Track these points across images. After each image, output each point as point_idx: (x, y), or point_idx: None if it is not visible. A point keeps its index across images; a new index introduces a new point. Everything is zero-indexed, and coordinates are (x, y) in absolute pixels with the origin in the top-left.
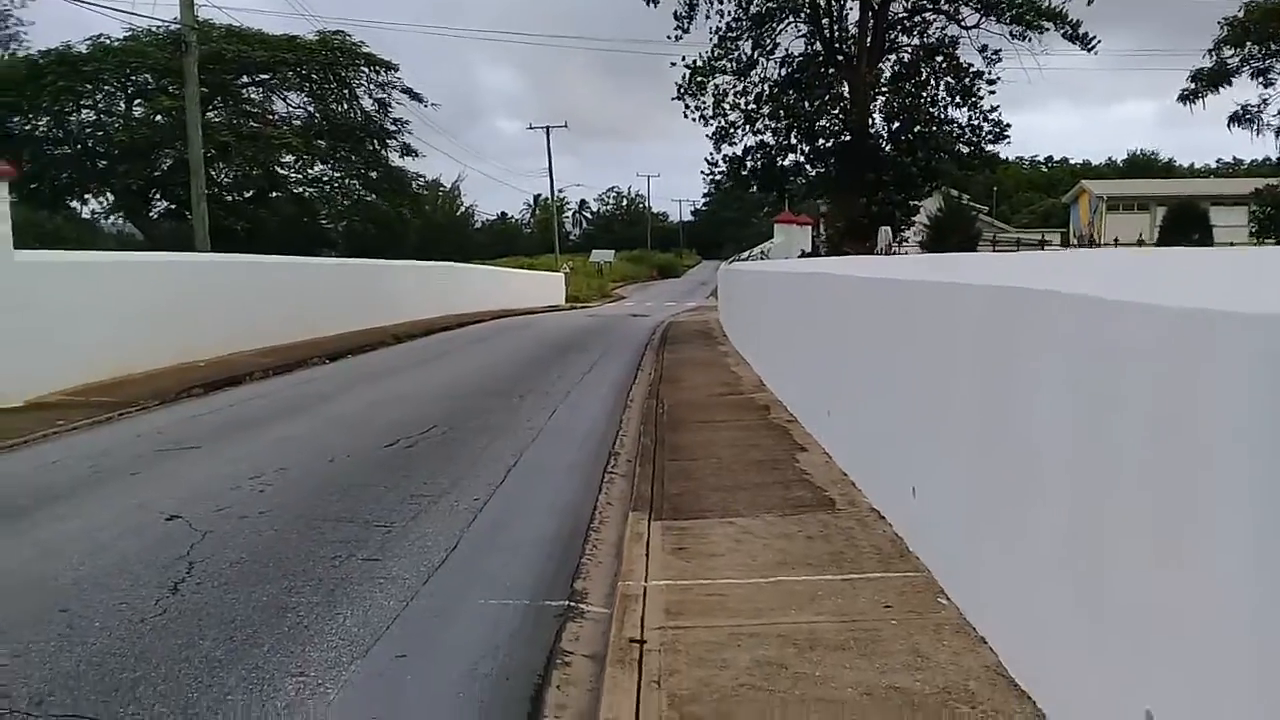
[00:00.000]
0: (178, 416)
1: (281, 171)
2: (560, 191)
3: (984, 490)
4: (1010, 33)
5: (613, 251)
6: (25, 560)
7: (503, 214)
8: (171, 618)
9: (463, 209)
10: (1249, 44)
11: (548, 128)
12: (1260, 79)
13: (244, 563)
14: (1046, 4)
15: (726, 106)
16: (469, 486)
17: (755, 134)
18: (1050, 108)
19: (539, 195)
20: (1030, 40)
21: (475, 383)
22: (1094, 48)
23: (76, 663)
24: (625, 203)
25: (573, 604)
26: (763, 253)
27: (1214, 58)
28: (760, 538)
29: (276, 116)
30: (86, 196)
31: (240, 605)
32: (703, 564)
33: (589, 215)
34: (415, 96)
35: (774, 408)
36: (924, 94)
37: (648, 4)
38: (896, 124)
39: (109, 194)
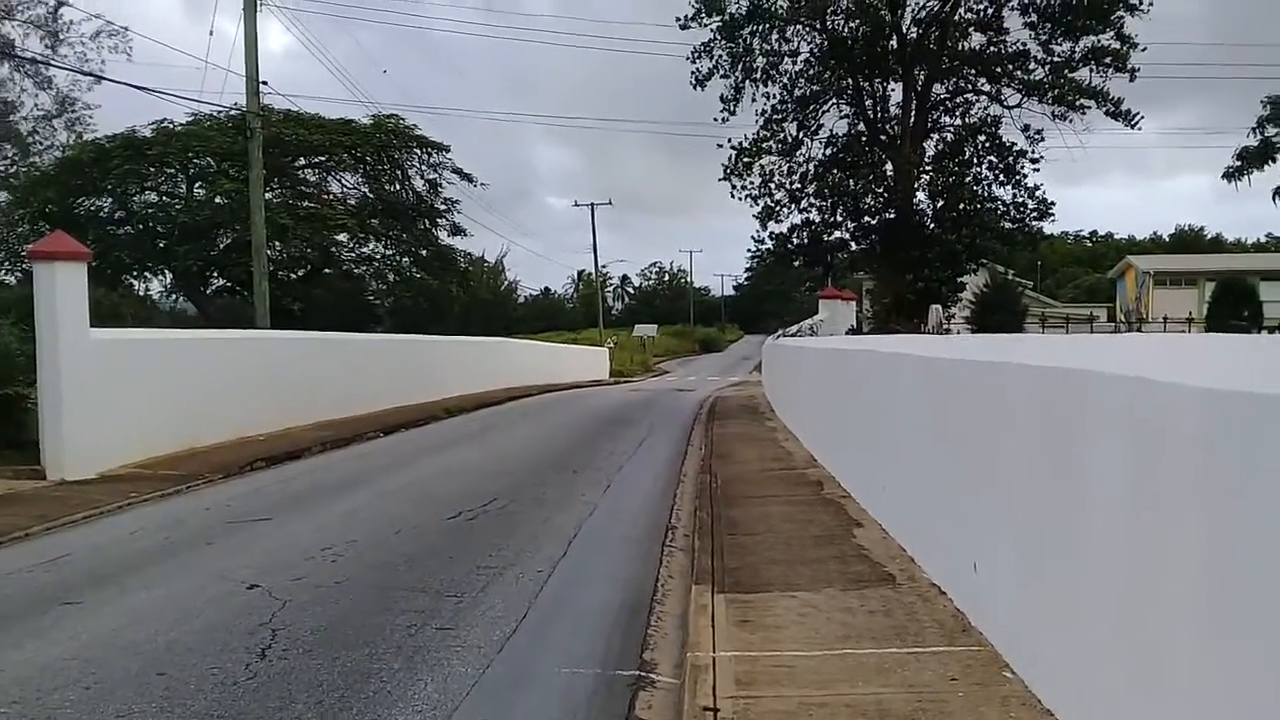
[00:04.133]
0: (244, 489)
1: (334, 250)
2: (604, 267)
3: (1043, 565)
4: (1052, 113)
5: (655, 326)
6: (119, 626)
7: (546, 289)
8: (262, 682)
9: (506, 284)
10: None
11: (592, 205)
12: None
13: (325, 630)
14: (1088, 83)
15: (773, 186)
16: (532, 558)
17: (801, 212)
18: (1102, 181)
19: (582, 271)
20: (1072, 120)
21: (529, 456)
22: (1137, 124)
23: None
24: (667, 278)
25: (643, 674)
26: (811, 328)
27: (1258, 135)
28: (823, 611)
29: (332, 196)
30: (146, 274)
31: (326, 671)
32: (768, 636)
33: (631, 290)
34: (465, 177)
35: (827, 483)
36: (968, 173)
37: (694, 88)
38: (941, 202)
39: (168, 272)
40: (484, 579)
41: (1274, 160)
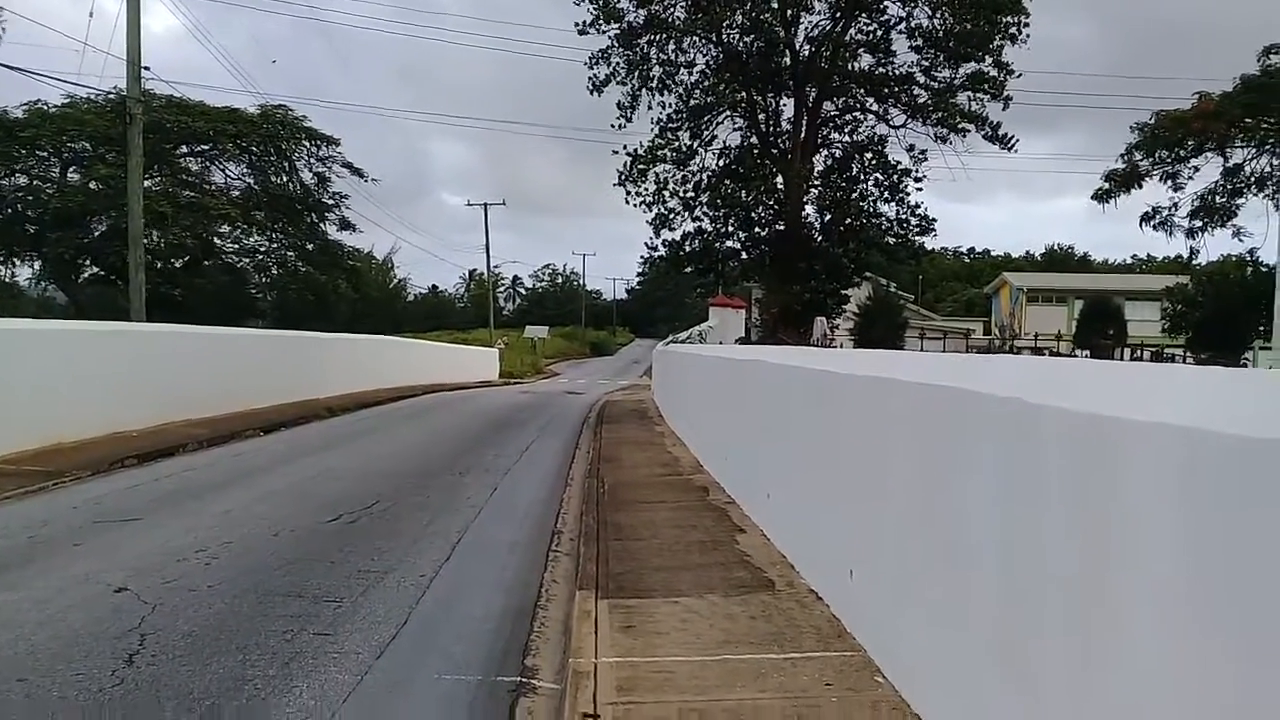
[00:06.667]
0: (114, 487)
1: (217, 241)
2: (496, 267)
3: (916, 573)
4: (935, 134)
5: (547, 328)
6: None
7: (434, 287)
8: (130, 689)
9: (395, 281)
10: (1158, 150)
11: (485, 205)
12: (1169, 182)
13: (196, 635)
14: (968, 107)
15: (666, 194)
16: (415, 563)
17: (694, 220)
18: (988, 199)
19: (474, 270)
20: (951, 142)
21: (414, 458)
22: (1013, 147)
23: None
24: (560, 280)
25: (525, 680)
26: (701, 335)
27: (1126, 160)
28: (704, 617)
29: (214, 187)
30: (14, 261)
31: (197, 677)
32: (650, 642)
33: (523, 291)
34: (356, 171)
35: (712, 489)
36: (855, 188)
37: (592, 93)
38: (828, 216)
39: (37, 259)
40: (365, 583)
41: (1140, 185)
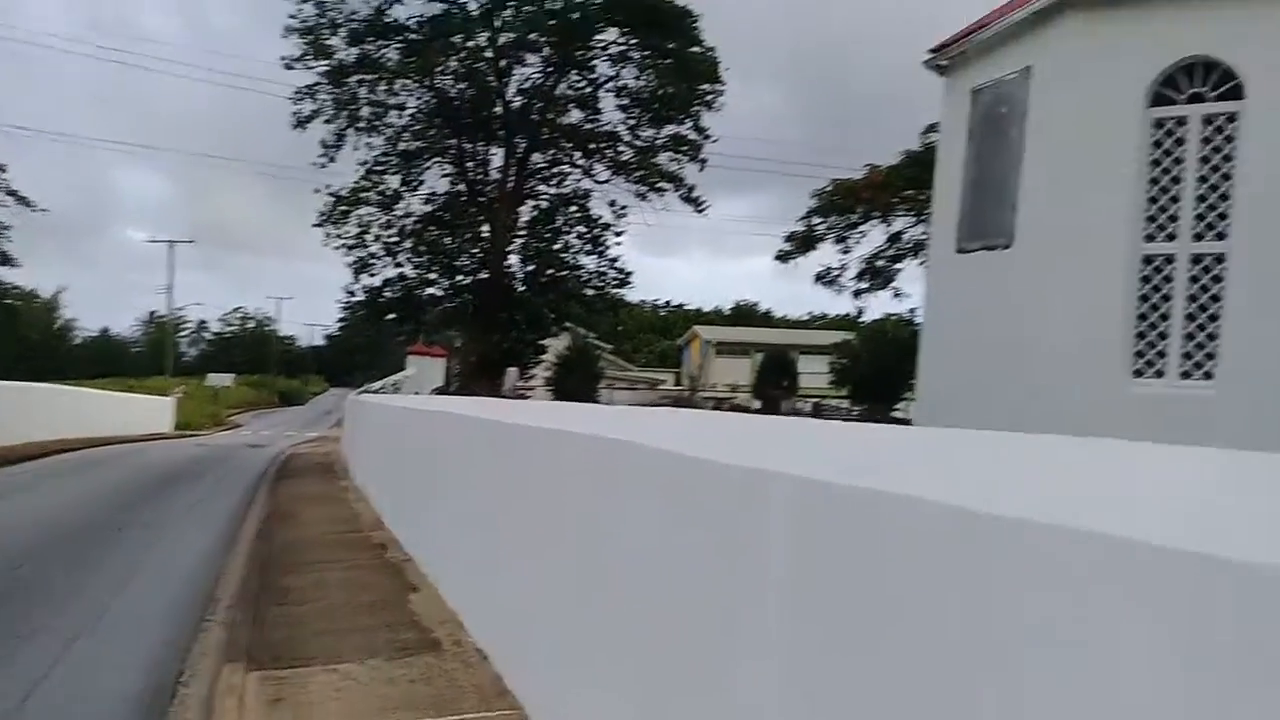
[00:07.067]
0: None
1: None
2: (180, 309)
3: (579, 627)
4: (635, 192)
5: (232, 375)
6: None
7: (104, 330)
8: None
9: (61, 323)
10: (833, 215)
11: (171, 242)
12: (841, 245)
13: None
14: (668, 167)
15: (369, 238)
16: (45, 638)
17: (396, 266)
18: (686, 255)
19: (154, 312)
20: (651, 199)
21: (65, 519)
22: (703, 210)
23: None
24: (251, 324)
25: None
26: (394, 385)
27: (805, 224)
28: (362, 684)
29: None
30: None
31: None
32: (300, 715)
33: (209, 335)
34: (21, 199)
35: (390, 546)
36: (558, 240)
37: (295, 128)
38: (532, 266)
39: None
40: None
41: (816, 247)
